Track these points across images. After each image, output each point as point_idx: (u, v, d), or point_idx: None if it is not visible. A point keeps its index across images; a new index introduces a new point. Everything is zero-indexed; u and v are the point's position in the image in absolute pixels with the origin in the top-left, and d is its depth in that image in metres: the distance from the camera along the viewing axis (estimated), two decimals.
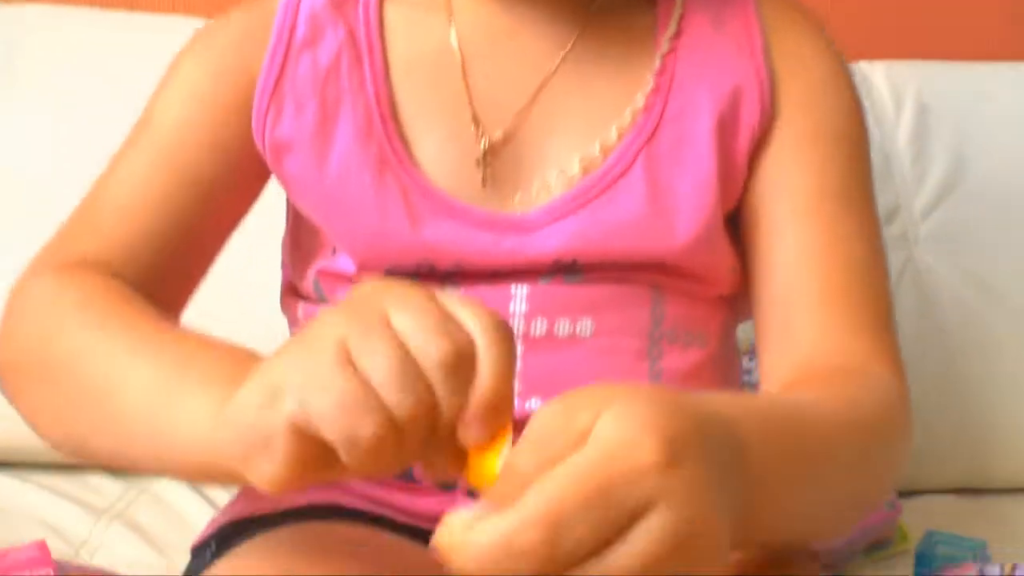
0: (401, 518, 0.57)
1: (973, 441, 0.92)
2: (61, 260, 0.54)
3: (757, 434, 0.39)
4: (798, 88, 0.59)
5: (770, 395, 0.53)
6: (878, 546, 0.78)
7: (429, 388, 0.36)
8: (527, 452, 0.34)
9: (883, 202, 0.96)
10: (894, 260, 0.94)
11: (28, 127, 0.95)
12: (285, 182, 0.59)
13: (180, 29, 0.90)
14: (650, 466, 0.32)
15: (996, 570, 0.63)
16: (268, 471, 0.37)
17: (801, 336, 0.55)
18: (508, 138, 0.58)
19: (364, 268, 0.57)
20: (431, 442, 0.36)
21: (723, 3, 0.60)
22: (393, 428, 0.35)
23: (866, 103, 0.99)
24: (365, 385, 0.35)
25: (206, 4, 1.05)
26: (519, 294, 0.56)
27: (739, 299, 0.62)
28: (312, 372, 0.36)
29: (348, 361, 0.36)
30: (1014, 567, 0.62)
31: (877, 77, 1.04)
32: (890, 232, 0.97)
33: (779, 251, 0.57)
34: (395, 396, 0.35)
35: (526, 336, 0.56)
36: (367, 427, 0.35)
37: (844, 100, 0.60)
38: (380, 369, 0.35)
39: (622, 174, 0.57)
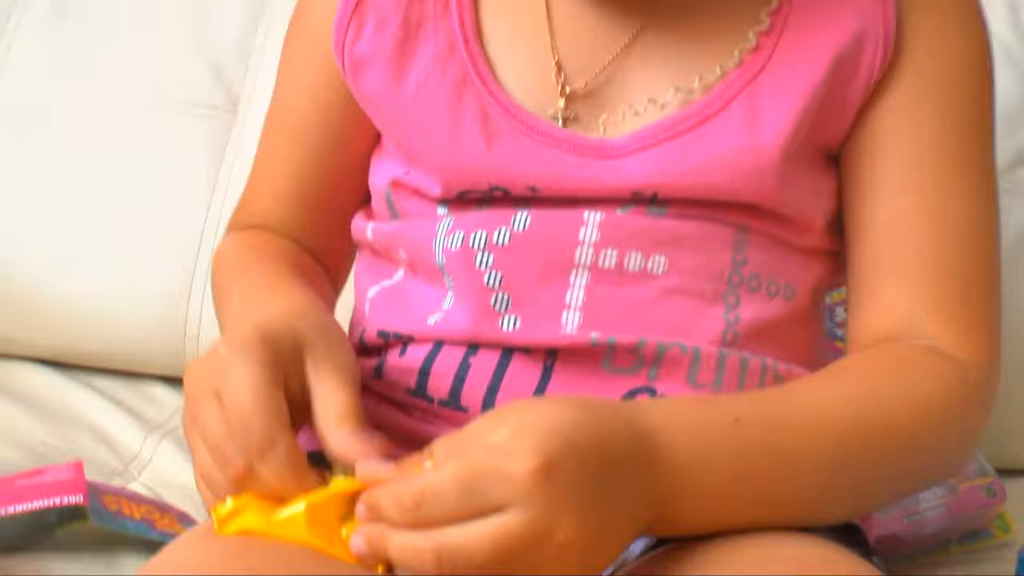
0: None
1: None
2: (239, 224, 0.65)
3: (685, 441, 0.44)
4: (926, 28, 0.54)
5: (744, 397, 0.50)
6: (974, 535, 0.71)
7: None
8: (446, 446, 0.43)
9: (1017, 141, 0.86)
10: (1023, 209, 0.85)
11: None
12: (362, 99, 0.58)
13: None
14: (518, 475, 0.40)
15: None
16: None
17: (884, 305, 0.53)
18: (593, 86, 0.55)
19: (442, 187, 0.55)
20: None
21: None
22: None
23: (1012, 21, 0.90)
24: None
25: None
26: (592, 220, 0.53)
27: (833, 259, 0.57)
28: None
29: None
30: None
31: None
32: (1022, 176, 0.86)
33: (878, 207, 0.54)
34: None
35: (594, 266, 0.53)
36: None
37: (973, 45, 0.55)
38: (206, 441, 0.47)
39: (721, 109, 0.53)
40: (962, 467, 0.54)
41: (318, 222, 0.63)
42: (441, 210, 0.56)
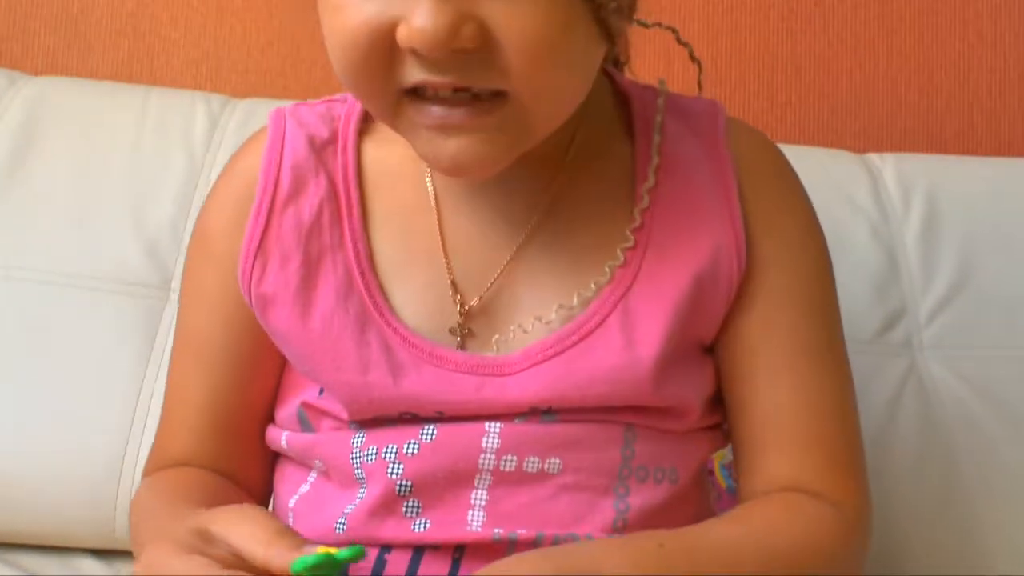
0: None
1: (970, 559, 0.89)
2: (156, 465, 0.64)
3: (624, 566, 0.49)
4: (771, 245, 0.61)
5: (668, 533, 0.55)
6: None
7: None
8: None
9: (888, 306, 0.95)
10: (896, 368, 0.93)
11: (48, 194, 0.95)
12: (272, 334, 0.61)
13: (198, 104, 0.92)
14: None
15: None
16: None
17: (769, 468, 0.60)
18: (484, 301, 0.59)
19: (352, 415, 0.59)
20: None
21: (697, 145, 0.61)
22: None
23: (874, 198, 1.00)
24: None
25: (224, 81, 1.08)
26: (492, 430, 0.58)
27: (714, 431, 0.64)
28: None
29: None
30: None
31: (887, 171, 1.02)
32: (893, 338, 0.95)
33: (753, 395, 0.60)
34: None
35: (496, 470, 0.57)
36: None
37: (812, 252, 0.62)
38: None
39: (599, 324, 0.58)
40: None
41: (237, 448, 0.63)
42: (353, 426, 0.59)
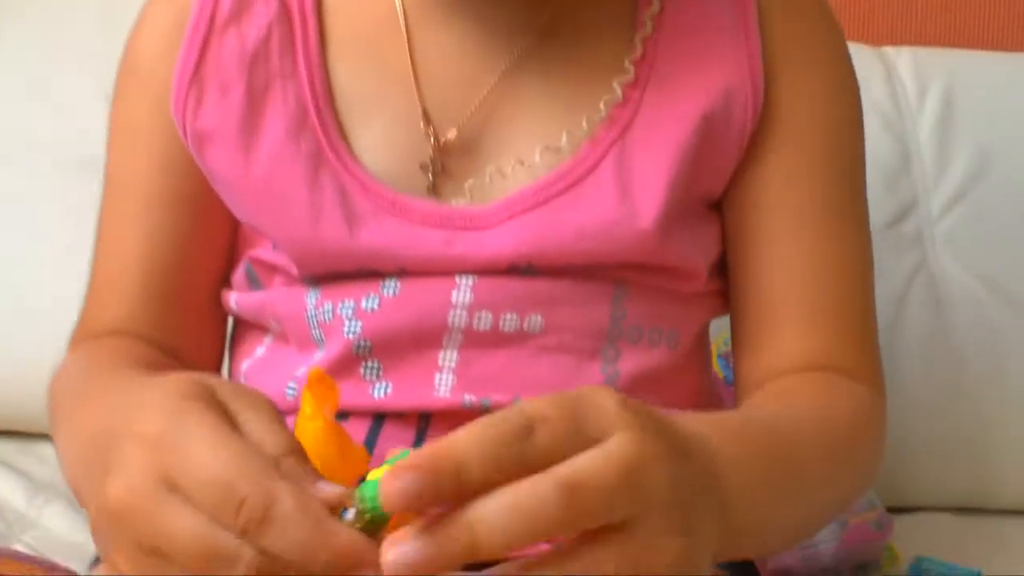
0: None
1: (977, 456, 0.86)
2: (82, 336, 0.56)
3: (730, 457, 0.39)
4: (799, 87, 0.54)
5: (744, 412, 0.49)
6: (864, 567, 0.73)
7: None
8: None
9: (898, 198, 0.91)
10: (906, 262, 0.89)
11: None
12: (209, 175, 0.53)
13: None
14: (611, 406, 0.33)
15: None
16: None
17: (785, 343, 0.53)
18: (463, 134, 0.52)
19: (302, 270, 0.52)
20: None
21: None
22: None
23: (888, 91, 0.96)
24: None
25: None
26: (464, 284, 0.51)
27: (716, 298, 0.57)
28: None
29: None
30: None
31: (902, 64, 0.97)
32: (903, 231, 0.91)
33: (768, 259, 0.54)
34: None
35: (467, 329, 0.51)
36: None
37: (843, 102, 0.55)
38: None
39: (591, 170, 0.51)
40: (873, 482, 0.55)
41: (180, 315, 0.55)
42: (306, 282, 0.53)
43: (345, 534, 0.32)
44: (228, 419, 0.35)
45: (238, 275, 0.56)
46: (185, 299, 0.55)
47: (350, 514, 0.32)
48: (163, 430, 0.34)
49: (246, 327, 0.57)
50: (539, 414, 0.32)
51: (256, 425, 0.35)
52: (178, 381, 0.36)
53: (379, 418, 0.51)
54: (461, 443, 0.31)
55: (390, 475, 0.30)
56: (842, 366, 0.53)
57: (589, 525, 0.31)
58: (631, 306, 0.52)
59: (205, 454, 0.33)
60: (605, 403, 0.33)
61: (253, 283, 0.55)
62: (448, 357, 0.51)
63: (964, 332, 0.87)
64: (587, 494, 0.31)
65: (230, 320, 0.59)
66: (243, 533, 0.32)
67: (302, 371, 0.52)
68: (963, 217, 0.91)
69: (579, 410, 0.33)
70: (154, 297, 0.54)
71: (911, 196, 0.92)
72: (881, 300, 0.87)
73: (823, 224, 0.54)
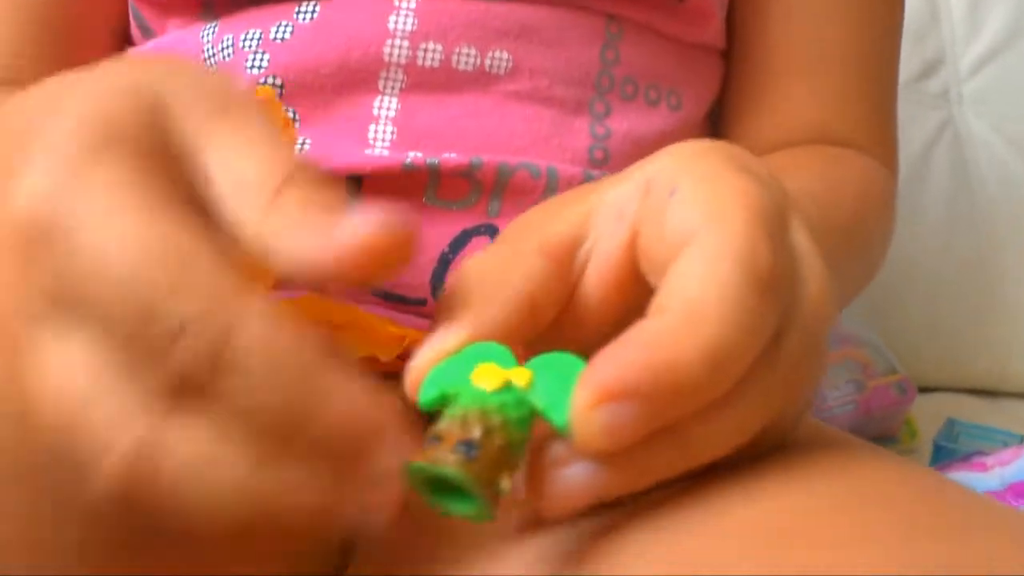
0: None
1: (998, 335, 0.79)
2: None
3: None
4: None
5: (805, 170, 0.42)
6: (882, 441, 0.66)
7: None
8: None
9: (926, 54, 0.84)
10: (931, 119, 0.82)
11: None
12: None
13: None
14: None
15: None
16: None
17: (796, 105, 0.46)
18: None
19: None
20: None
21: None
22: None
23: None
24: None
25: None
26: (404, 4, 0.40)
27: (719, 60, 0.48)
28: None
29: None
30: None
31: None
32: (930, 88, 0.83)
33: (784, 13, 0.46)
34: None
35: (410, 65, 0.39)
36: None
37: None
38: None
39: None
40: (880, 267, 0.48)
41: (68, 57, 0.46)
42: (205, 15, 0.43)
43: (346, 389, 0.20)
44: (170, 168, 0.21)
45: (133, 27, 0.46)
46: (77, 38, 0.46)
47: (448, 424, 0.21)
48: (50, 211, 0.20)
49: None
50: (757, 244, 0.23)
51: (236, 164, 0.21)
52: (97, 97, 0.22)
53: None
54: (706, 340, 0.21)
55: (591, 399, 0.20)
56: (851, 138, 0.46)
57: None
58: (625, 50, 0.42)
59: (110, 249, 0.20)
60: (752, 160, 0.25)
61: (144, 31, 0.45)
62: (386, 104, 0.40)
63: (989, 198, 0.80)
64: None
65: None
66: (177, 380, 0.19)
67: None
68: (993, 78, 0.83)
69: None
70: (44, 41, 0.45)
71: (938, 51, 0.84)
72: (904, 158, 0.80)
73: None
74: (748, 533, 0.21)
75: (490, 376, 0.21)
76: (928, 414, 0.72)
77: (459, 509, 0.21)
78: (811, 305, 0.24)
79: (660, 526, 0.23)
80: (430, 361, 0.23)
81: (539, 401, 0.21)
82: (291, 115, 0.39)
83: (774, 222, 0.24)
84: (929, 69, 0.83)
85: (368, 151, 0.39)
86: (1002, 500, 0.41)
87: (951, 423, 0.61)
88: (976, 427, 0.60)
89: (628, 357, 0.21)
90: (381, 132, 0.39)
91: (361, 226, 0.20)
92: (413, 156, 0.39)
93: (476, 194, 0.39)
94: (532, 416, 0.21)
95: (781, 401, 0.23)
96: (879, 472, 0.24)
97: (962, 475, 0.51)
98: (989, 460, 0.52)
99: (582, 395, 0.21)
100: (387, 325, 0.31)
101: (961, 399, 0.77)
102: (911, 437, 0.67)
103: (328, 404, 0.20)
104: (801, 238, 0.25)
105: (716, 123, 0.48)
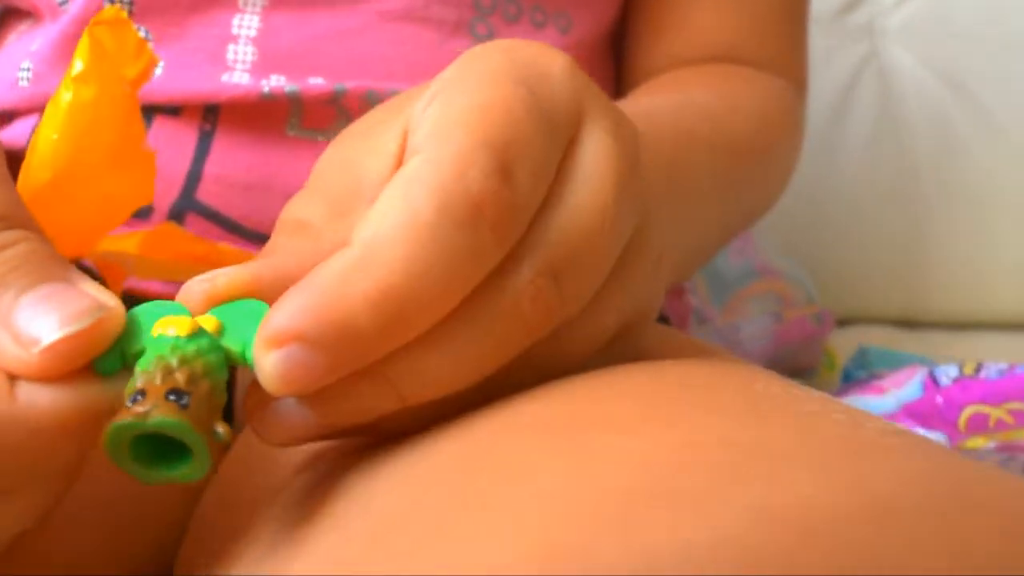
0: None
1: (918, 267, 0.80)
2: None
3: (650, 147, 0.28)
4: None
5: (653, 101, 0.39)
6: (800, 373, 0.66)
7: None
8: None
9: None
10: (854, 53, 0.82)
11: None
12: None
13: None
14: (557, 67, 0.23)
15: (954, 370, 0.50)
16: None
17: (701, 28, 0.44)
18: None
19: None
20: None
21: None
22: None
23: None
24: None
25: None
26: None
27: None
28: None
29: None
30: (980, 365, 0.50)
31: None
32: (854, 20, 0.82)
33: None
34: None
35: None
36: None
37: None
38: None
39: None
40: (783, 190, 0.46)
41: None
42: None
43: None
44: None
45: None
46: None
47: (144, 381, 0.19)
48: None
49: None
50: (478, 165, 0.20)
51: None
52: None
53: (145, 112, 0.34)
54: (385, 283, 0.19)
55: (263, 344, 0.19)
56: (757, 57, 0.45)
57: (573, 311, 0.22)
58: None
59: None
60: (551, 68, 0.23)
61: None
62: (245, 24, 0.37)
63: (913, 131, 0.80)
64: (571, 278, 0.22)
65: None
66: None
67: (37, 44, 0.38)
68: (919, 10, 0.82)
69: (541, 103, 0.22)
70: None
71: None
72: (827, 91, 0.81)
73: None
74: (541, 424, 0.20)
75: (177, 324, 0.20)
76: (849, 346, 0.72)
77: (168, 472, 0.20)
78: (575, 224, 0.22)
79: (451, 424, 0.21)
80: (226, 287, 0.21)
81: (233, 344, 0.21)
82: (144, 35, 0.37)
83: (528, 142, 0.21)
84: (853, 1, 0.83)
85: (226, 76, 0.37)
86: (897, 421, 0.42)
87: (862, 351, 0.61)
88: (888, 353, 0.61)
89: (298, 302, 0.19)
90: (241, 53, 0.37)
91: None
92: (275, 83, 0.37)
93: (343, 123, 0.36)
94: (226, 360, 0.21)
95: (529, 328, 0.21)
96: (693, 367, 0.23)
97: (858, 398, 0.52)
98: (885, 383, 0.52)
99: (257, 340, 0.20)
100: (245, 258, 0.30)
101: (882, 330, 0.78)
102: (830, 368, 0.67)
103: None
104: (595, 156, 0.22)
105: (619, 43, 0.47)
